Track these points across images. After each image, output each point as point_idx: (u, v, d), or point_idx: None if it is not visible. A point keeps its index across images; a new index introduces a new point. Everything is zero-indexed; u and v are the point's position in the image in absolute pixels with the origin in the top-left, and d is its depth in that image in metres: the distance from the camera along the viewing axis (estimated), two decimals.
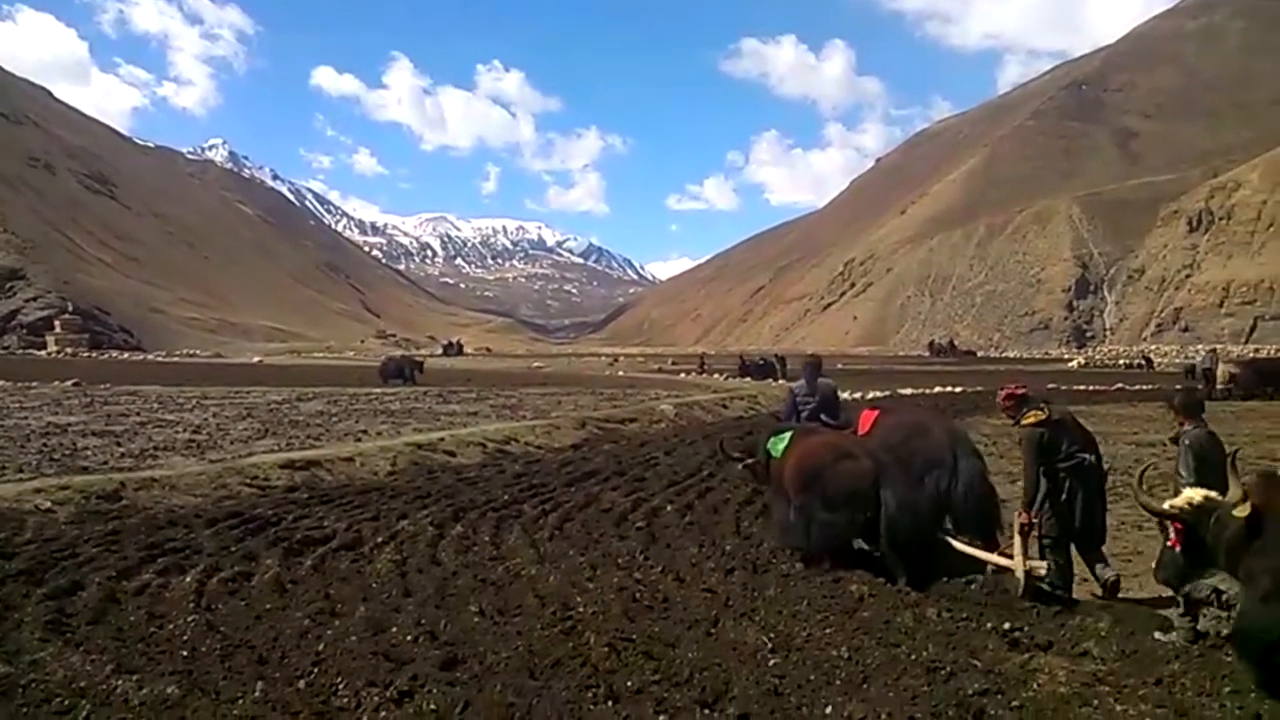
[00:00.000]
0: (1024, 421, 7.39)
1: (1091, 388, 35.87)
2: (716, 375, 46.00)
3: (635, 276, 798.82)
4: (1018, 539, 7.05)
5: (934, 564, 7.48)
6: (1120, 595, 7.25)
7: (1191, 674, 5.18)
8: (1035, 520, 7.12)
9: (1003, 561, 7.26)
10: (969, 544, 7.60)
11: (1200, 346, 47.07)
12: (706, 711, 4.65)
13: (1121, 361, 67.53)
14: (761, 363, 45.49)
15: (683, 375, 46.72)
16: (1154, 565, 6.31)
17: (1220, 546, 5.43)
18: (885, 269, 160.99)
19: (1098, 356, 79.12)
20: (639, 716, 4.56)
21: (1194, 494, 5.74)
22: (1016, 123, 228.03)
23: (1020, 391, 7.79)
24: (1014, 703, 4.79)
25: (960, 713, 4.60)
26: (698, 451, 15.59)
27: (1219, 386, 32.16)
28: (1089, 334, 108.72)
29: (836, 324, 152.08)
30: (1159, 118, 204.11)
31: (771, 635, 5.86)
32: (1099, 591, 7.28)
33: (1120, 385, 37.66)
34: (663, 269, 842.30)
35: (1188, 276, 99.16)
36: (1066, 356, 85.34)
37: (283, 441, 15.19)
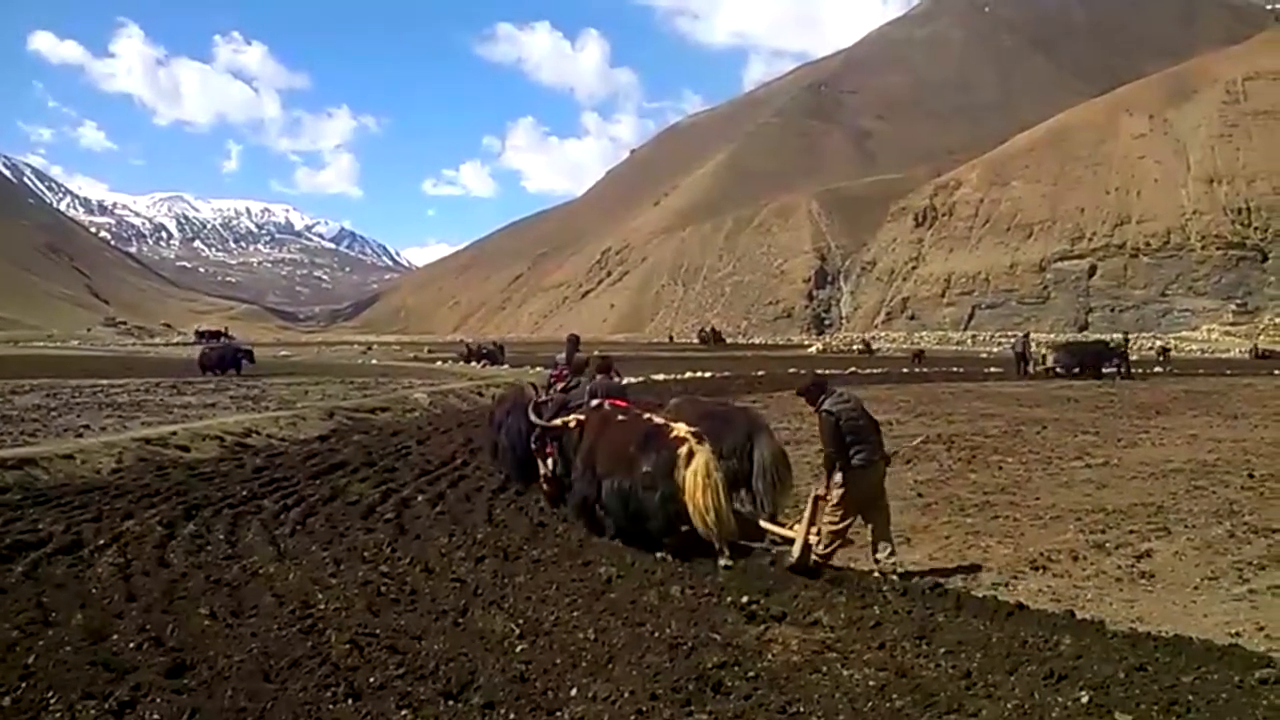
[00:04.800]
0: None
1: (828, 371, 38.05)
2: (474, 364, 45.78)
3: (390, 263, 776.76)
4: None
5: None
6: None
7: (910, 637, 5.63)
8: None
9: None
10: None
11: (1016, 332, 52.27)
12: (451, 703, 4.61)
13: (854, 347, 72.38)
14: (484, 351, 48.71)
15: (439, 364, 45.99)
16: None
17: (572, 451, 8.96)
18: (640, 258, 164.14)
19: (834, 343, 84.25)
20: (380, 713, 4.46)
21: (568, 419, 9.13)
22: (762, 120, 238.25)
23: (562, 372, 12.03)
24: (750, 673, 5.03)
25: (700, 685, 4.78)
26: (452, 440, 15.41)
27: (1038, 367, 35.39)
28: (827, 322, 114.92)
29: (594, 311, 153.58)
30: (890, 119, 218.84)
31: (520, 622, 5.89)
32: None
33: (853, 369, 40.14)
34: (419, 255, 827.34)
35: (914, 269, 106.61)
36: (806, 343, 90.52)
37: None
